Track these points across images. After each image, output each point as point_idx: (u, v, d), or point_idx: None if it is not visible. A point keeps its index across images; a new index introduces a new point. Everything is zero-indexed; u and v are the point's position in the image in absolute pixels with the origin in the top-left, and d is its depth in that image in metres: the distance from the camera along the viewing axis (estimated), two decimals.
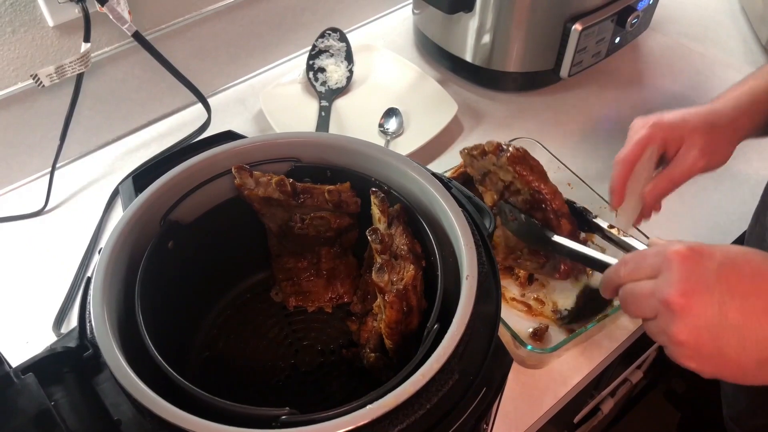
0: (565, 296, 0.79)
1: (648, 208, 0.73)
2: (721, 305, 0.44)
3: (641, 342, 0.88)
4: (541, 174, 0.69)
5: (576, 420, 1.16)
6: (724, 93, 0.74)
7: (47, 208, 0.91)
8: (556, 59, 1.03)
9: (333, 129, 1.00)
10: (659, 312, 0.47)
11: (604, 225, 0.67)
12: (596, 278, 0.76)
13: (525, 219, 0.69)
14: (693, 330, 0.45)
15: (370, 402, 0.43)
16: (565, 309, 0.77)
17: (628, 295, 0.50)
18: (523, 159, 0.68)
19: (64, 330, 0.78)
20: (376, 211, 0.57)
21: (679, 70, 1.13)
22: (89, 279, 0.52)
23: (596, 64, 1.08)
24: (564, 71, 1.04)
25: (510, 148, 0.68)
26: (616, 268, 0.52)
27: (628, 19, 1.03)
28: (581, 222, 0.69)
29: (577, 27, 0.98)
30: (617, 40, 1.07)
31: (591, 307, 0.75)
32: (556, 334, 0.75)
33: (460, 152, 0.72)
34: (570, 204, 0.70)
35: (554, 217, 0.68)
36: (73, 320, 0.79)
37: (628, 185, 0.72)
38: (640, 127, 0.72)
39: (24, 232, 0.89)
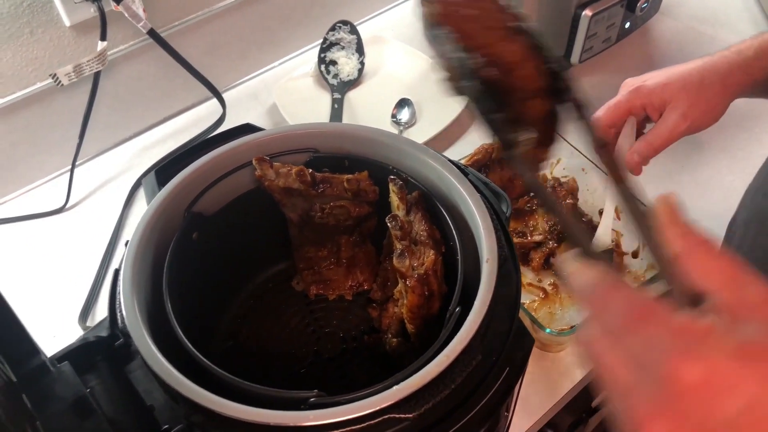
0: None
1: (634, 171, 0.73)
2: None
3: None
4: (498, 24, 0.44)
5: (594, 404, 1.16)
6: (726, 48, 0.71)
7: (68, 206, 0.93)
8: (566, 45, 1.04)
9: (346, 120, 1.01)
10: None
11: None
12: (596, 245, 0.77)
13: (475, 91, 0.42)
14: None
15: (397, 383, 0.44)
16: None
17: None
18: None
19: (89, 323, 0.79)
20: (394, 199, 0.58)
21: (690, 53, 1.13)
22: (117, 271, 0.54)
23: (606, 50, 1.08)
24: (574, 57, 1.04)
25: None
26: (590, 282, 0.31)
27: (638, 4, 1.03)
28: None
29: (587, 13, 0.98)
30: (627, 25, 1.07)
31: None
32: (574, 317, 0.75)
33: None
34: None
35: (516, 99, 0.42)
36: (98, 313, 0.80)
37: (615, 151, 0.72)
38: (625, 89, 0.72)
39: (46, 230, 0.90)
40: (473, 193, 0.55)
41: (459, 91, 0.41)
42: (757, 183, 0.75)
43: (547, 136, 0.42)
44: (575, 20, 1.00)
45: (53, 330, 0.79)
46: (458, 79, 0.40)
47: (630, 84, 0.72)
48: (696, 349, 0.26)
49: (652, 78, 0.70)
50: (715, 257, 0.30)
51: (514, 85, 0.40)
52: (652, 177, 0.92)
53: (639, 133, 0.75)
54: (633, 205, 0.36)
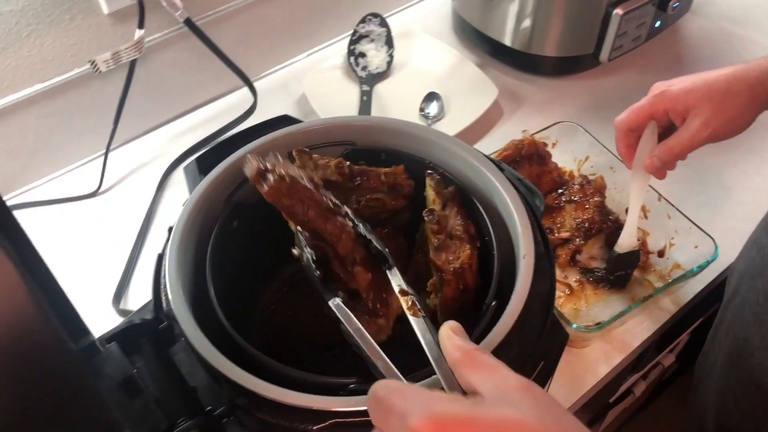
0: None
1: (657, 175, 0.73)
2: None
3: (678, 326, 0.89)
4: (317, 210, 0.51)
5: (612, 400, 1.17)
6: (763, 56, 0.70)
7: (101, 190, 0.94)
8: (596, 43, 1.04)
9: (375, 113, 1.02)
10: None
11: (395, 284, 0.50)
12: (621, 246, 0.78)
13: (305, 261, 0.53)
14: None
15: (435, 372, 0.45)
16: (598, 269, 0.80)
17: None
18: (290, 191, 0.49)
19: (123, 305, 0.81)
20: (431, 193, 0.59)
21: (720, 53, 1.13)
22: (161, 255, 0.55)
23: (636, 49, 1.08)
24: (604, 56, 1.04)
25: (271, 177, 0.49)
26: (368, 399, 0.38)
27: (670, 3, 1.03)
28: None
29: (619, 11, 0.98)
30: (657, 24, 1.07)
31: (620, 267, 0.78)
32: (599, 314, 0.76)
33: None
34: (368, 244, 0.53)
35: (342, 267, 0.52)
36: (131, 296, 0.82)
37: (636, 155, 0.73)
38: (652, 93, 0.71)
39: (79, 213, 0.92)
40: (510, 189, 0.56)
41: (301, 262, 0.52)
42: (754, 235, 0.74)
43: (380, 306, 0.53)
44: (606, 18, 1.00)
45: (86, 312, 0.80)
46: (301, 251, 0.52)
47: (657, 87, 0.72)
48: (435, 406, 0.33)
49: (678, 83, 0.70)
50: (483, 359, 0.38)
51: (338, 255, 0.51)
52: (678, 178, 0.92)
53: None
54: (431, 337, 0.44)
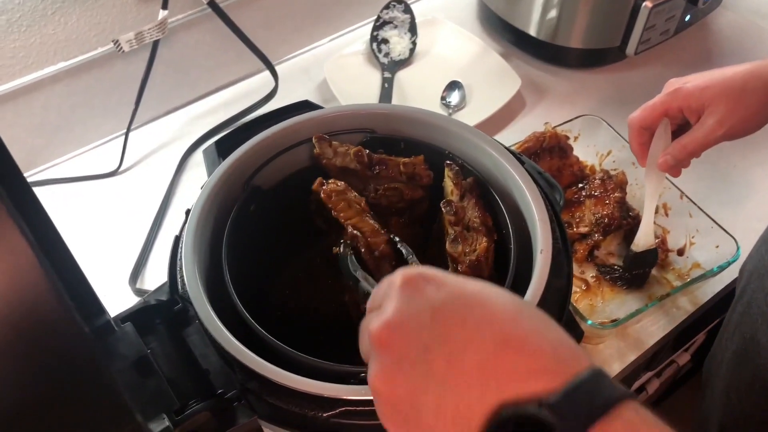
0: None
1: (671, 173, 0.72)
2: (426, 349, 0.34)
3: (695, 326, 0.88)
4: (358, 211, 0.61)
5: None
6: None
7: (121, 169, 0.95)
8: (623, 36, 1.02)
9: (396, 100, 1.01)
10: (369, 350, 0.37)
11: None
12: (637, 245, 0.77)
13: (342, 250, 0.60)
14: (389, 375, 0.35)
15: None
16: (616, 266, 0.79)
17: (360, 330, 0.39)
18: (341, 194, 0.60)
19: (139, 284, 0.82)
20: (449, 184, 0.59)
21: (750, 50, 1.10)
22: (178, 237, 0.55)
23: (663, 42, 1.06)
24: (630, 49, 1.02)
25: (330, 186, 0.60)
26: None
27: None
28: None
29: (648, 4, 0.96)
30: (687, 17, 1.05)
31: (637, 265, 0.78)
32: (615, 310, 0.76)
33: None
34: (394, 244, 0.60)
35: (371, 258, 0.60)
36: (147, 275, 0.83)
37: (650, 153, 0.72)
38: (666, 89, 0.70)
39: (99, 192, 0.93)
40: (530, 183, 0.55)
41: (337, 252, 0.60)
42: (765, 233, 0.73)
43: None
44: (634, 11, 0.98)
45: (103, 290, 0.81)
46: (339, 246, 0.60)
47: (672, 84, 0.70)
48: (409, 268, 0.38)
49: (693, 80, 0.69)
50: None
51: (370, 248, 0.59)
52: (701, 176, 0.91)
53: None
54: None
